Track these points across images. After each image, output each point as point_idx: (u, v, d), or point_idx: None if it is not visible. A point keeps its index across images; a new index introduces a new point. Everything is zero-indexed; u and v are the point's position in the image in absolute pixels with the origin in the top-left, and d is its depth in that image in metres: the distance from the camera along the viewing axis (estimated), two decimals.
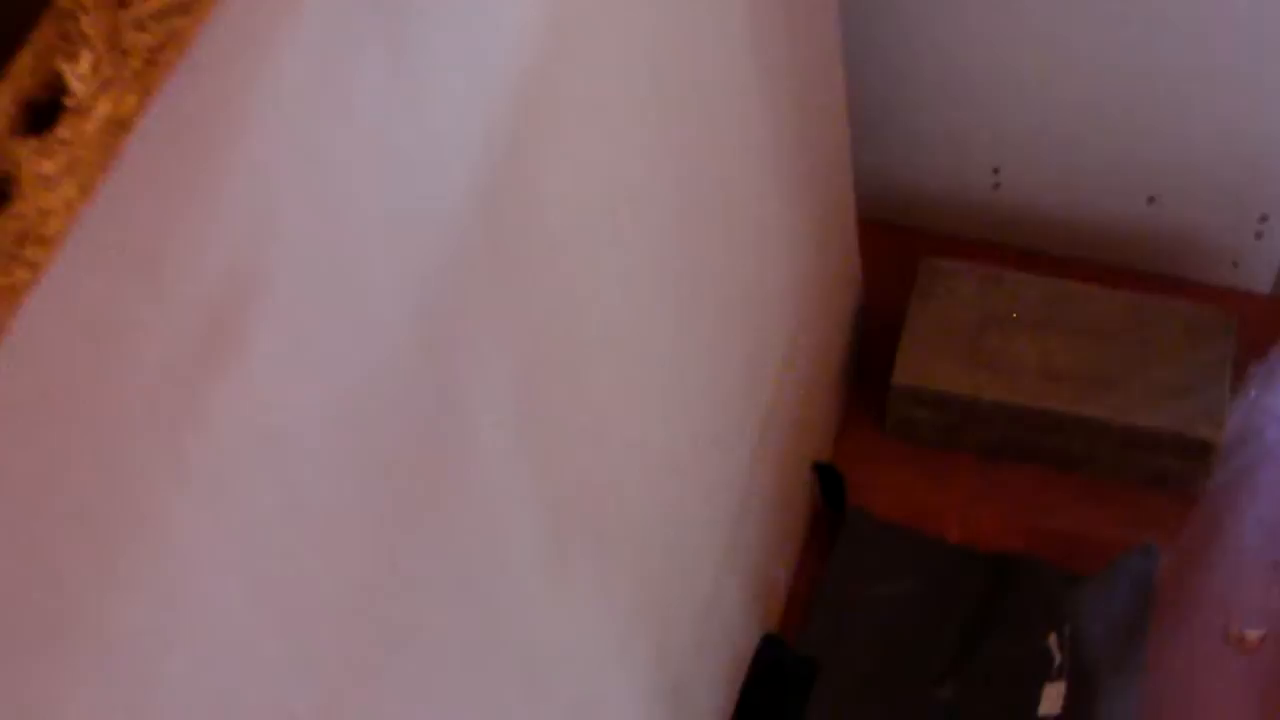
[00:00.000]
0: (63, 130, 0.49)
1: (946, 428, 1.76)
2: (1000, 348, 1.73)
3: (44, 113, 0.49)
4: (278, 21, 0.58)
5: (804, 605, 1.69)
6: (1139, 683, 1.61)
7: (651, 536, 1.19)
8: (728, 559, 1.39)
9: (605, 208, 0.98)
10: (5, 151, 0.48)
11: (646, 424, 1.11)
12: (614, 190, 0.99)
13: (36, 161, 0.48)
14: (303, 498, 0.65)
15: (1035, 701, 1.62)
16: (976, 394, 1.71)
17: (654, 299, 1.09)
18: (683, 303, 1.15)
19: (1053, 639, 1.64)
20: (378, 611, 0.74)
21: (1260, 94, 1.64)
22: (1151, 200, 1.78)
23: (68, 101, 0.50)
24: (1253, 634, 1.64)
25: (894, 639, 1.67)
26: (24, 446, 0.48)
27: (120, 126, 0.50)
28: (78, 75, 0.50)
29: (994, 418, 1.73)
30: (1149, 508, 1.72)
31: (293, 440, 0.64)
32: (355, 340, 0.68)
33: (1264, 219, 1.77)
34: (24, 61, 0.50)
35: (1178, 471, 1.72)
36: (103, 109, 0.50)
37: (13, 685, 0.48)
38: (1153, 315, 1.74)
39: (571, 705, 1.10)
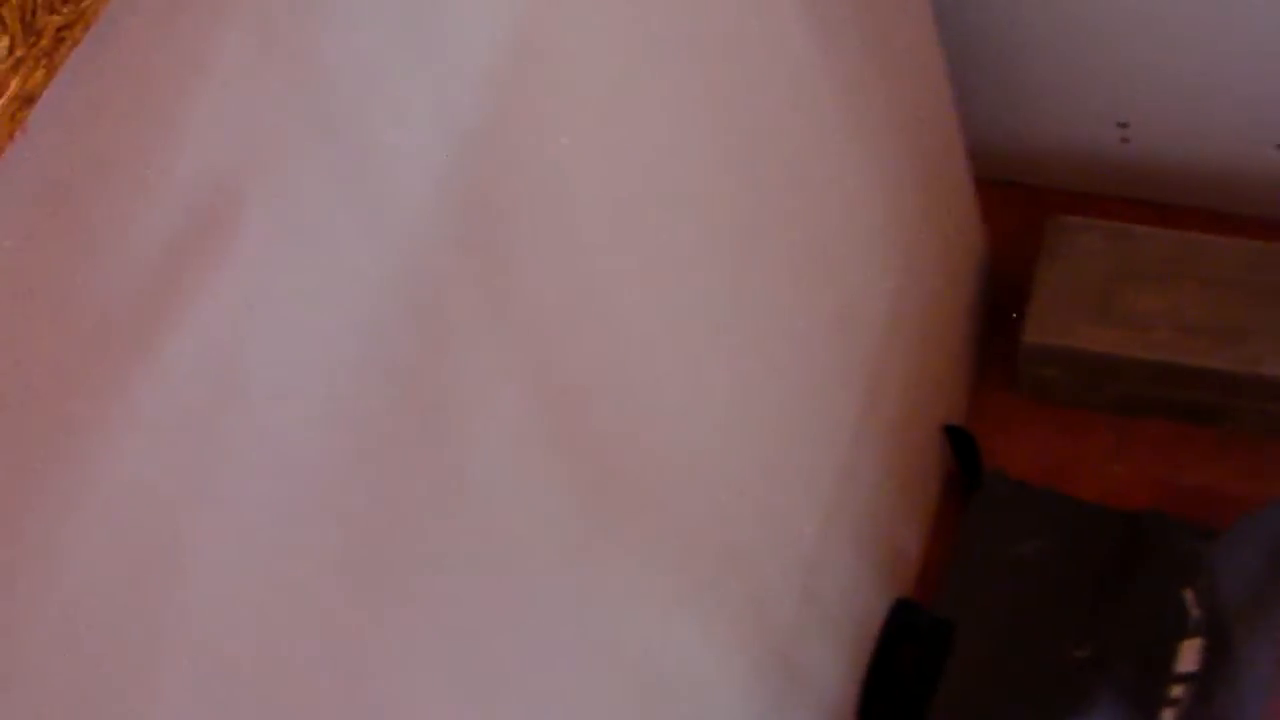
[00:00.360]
0: None
1: (1079, 385, 1.74)
2: (1131, 303, 1.71)
3: None
4: None
5: (940, 569, 1.69)
6: (1277, 637, 1.58)
7: (734, 503, 1.21)
8: (833, 523, 1.40)
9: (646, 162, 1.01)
10: None
11: (706, 380, 1.13)
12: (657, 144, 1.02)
13: None
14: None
15: (1173, 658, 1.60)
16: (1108, 350, 1.70)
17: (708, 257, 1.11)
18: (746, 263, 1.17)
19: (1189, 594, 1.62)
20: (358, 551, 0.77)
21: None
22: None
23: None
24: None
25: (1031, 599, 1.67)
26: None
27: (27, 101, 0.55)
28: None
29: (1126, 373, 1.71)
30: None
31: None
32: (331, 284, 0.72)
33: None
34: None
35: None
36: (13, 86, 0.55)
37: None
38: None
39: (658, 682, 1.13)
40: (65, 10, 0.57)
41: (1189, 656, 1.60)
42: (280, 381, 0.69)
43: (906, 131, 1.45)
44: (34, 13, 0.56)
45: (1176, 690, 1.58)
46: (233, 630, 0.69)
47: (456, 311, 0.82)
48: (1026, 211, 1.83)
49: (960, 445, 1.73)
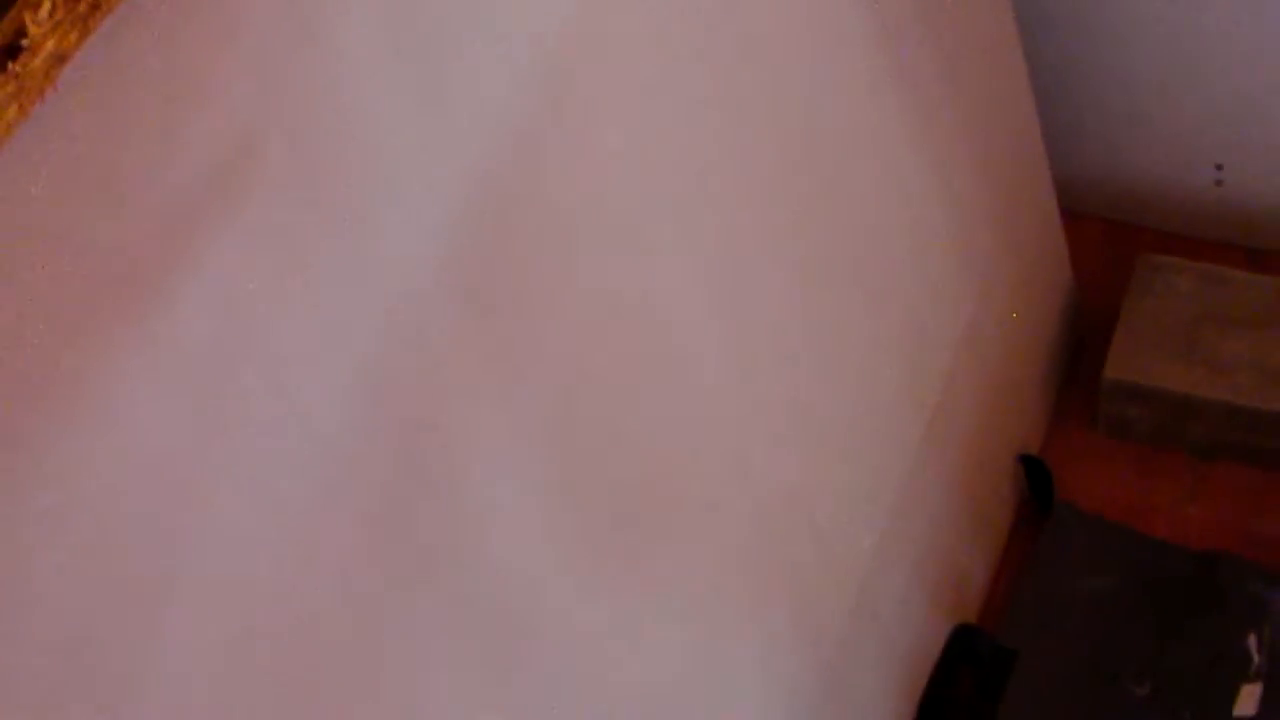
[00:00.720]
0: (16, 65, 0.59)
1: (1159, 425, 1.75)
2: (1217, 345, 1.71)
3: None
4: None
5: (1007, 597, 1.70)
6: None
7: (777, 520, 1.23)
8: (891, 540, 1.42)
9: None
10: None
11: (763, 393, 1.16)
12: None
13: None
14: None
15: (1232, 701, 1.60)
16: (1191, 391, 1.70)
17: (771, 268, 1.14)
18: (811, 278, 1.19)
19: (1252, 639, 1.62)
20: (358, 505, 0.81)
21: None
22: None
23: (24, 42, 0.60)
24: None
25: (1095, 633, 1.67)
26: None
27: (60, 60, 0.60)
28: (36, 21, 0.60)
29: (1208, 416, 1.71)
30: None
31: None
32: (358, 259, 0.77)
33: None
34: (7, 19, 0.61)
35: None
36: (50, 45, 0.60)
37: None
38: None
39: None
40: None
41: (1247, 701, 1.59)
42: (303, 342, 0.73)
43: (987, 161, 1.47)
44: None
45: None
46: (247, 577, 0.73)
47: (500, 283, 0.86)
48: (1117, 248, 1.83)
49: (1035, 476, 1.74)
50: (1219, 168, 1.78)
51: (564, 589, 0.95)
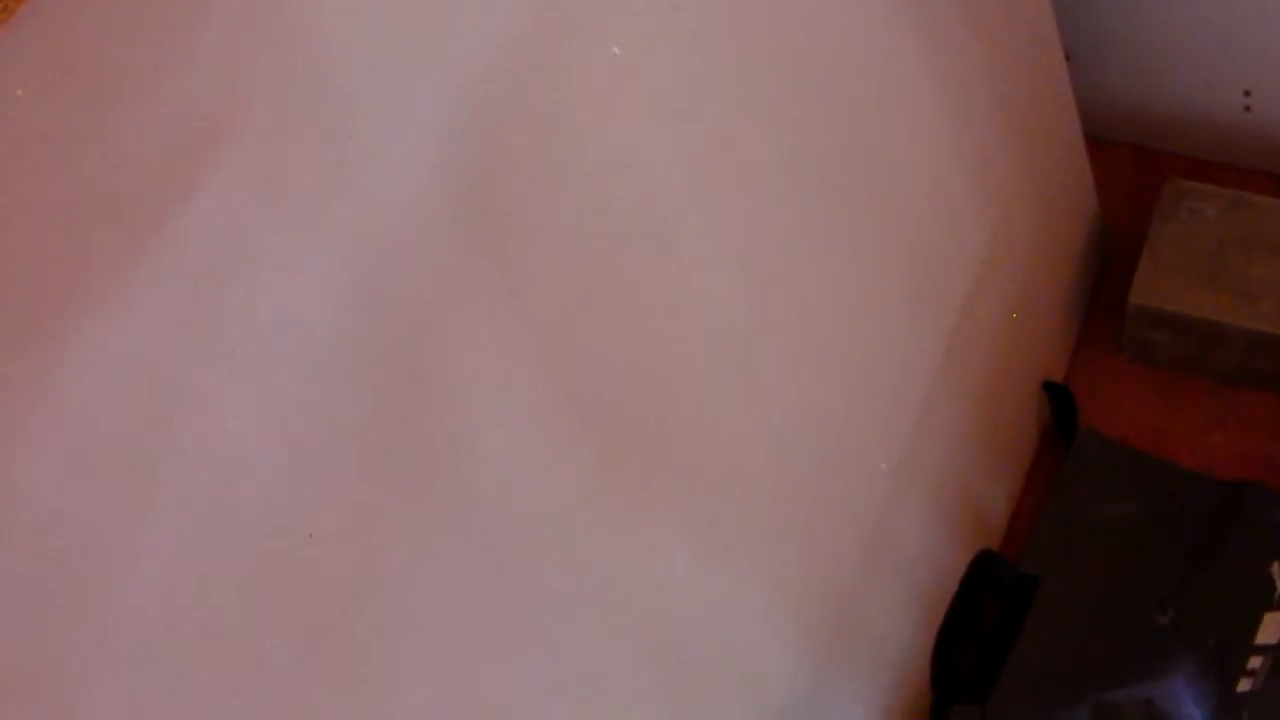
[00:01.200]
0: None
1: (1184, 352, 1.73)
2: (1242, 272, 1.70)
3: None
4: None
5: (1030, 525, 1.70)
6: None
7: (797, 445, 1.23)
8: (909, 468, 1.41)
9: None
10: None
11: (773, 319, 1.15)
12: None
13: None
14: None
15: (1255, 629, 1.59)
16: (1217, 318, 1.69)
17: (778, 192, 1.13)
18: (819, 201, 1.18)
19: (1276, 568, 1.61)
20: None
21: None
22: None
23: None
24: None
25: (1118, 561, 1.67)
26: None
27: None
28: None
29: (1234, 343, 1.70)
30: None
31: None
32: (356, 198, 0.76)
33: None
34: None
35: None
36: None
37: None
38: None
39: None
40: None
41: (1271, 629, 1.59)
42: (294, 252, 0.73)
43: (1006, 86, 1.45)
44: None
45: (1255, 661, 1.57)
46: (234, 481, 0.73)
47: (498, 201, 0.85)
48: (1144, 174, 1.82)
49: (1059, 402, 1.74)
50: (1247, 94, 1.76)
51: (567, 503, 0.95)
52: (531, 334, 0.89)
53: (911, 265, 1.35)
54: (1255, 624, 1.60)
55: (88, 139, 0.63)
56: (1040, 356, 1.71)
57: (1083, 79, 1.65)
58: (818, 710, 1.34)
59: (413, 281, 0.80)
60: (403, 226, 0.78)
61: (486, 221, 0.84)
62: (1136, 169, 1.84)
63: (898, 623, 1.49)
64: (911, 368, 1.39)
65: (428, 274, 0.80)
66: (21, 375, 0.62)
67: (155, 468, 0.69)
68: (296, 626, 0.77)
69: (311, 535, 0.78)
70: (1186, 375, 1.74)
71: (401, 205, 0.78)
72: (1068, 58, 1.61)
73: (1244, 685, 1.57)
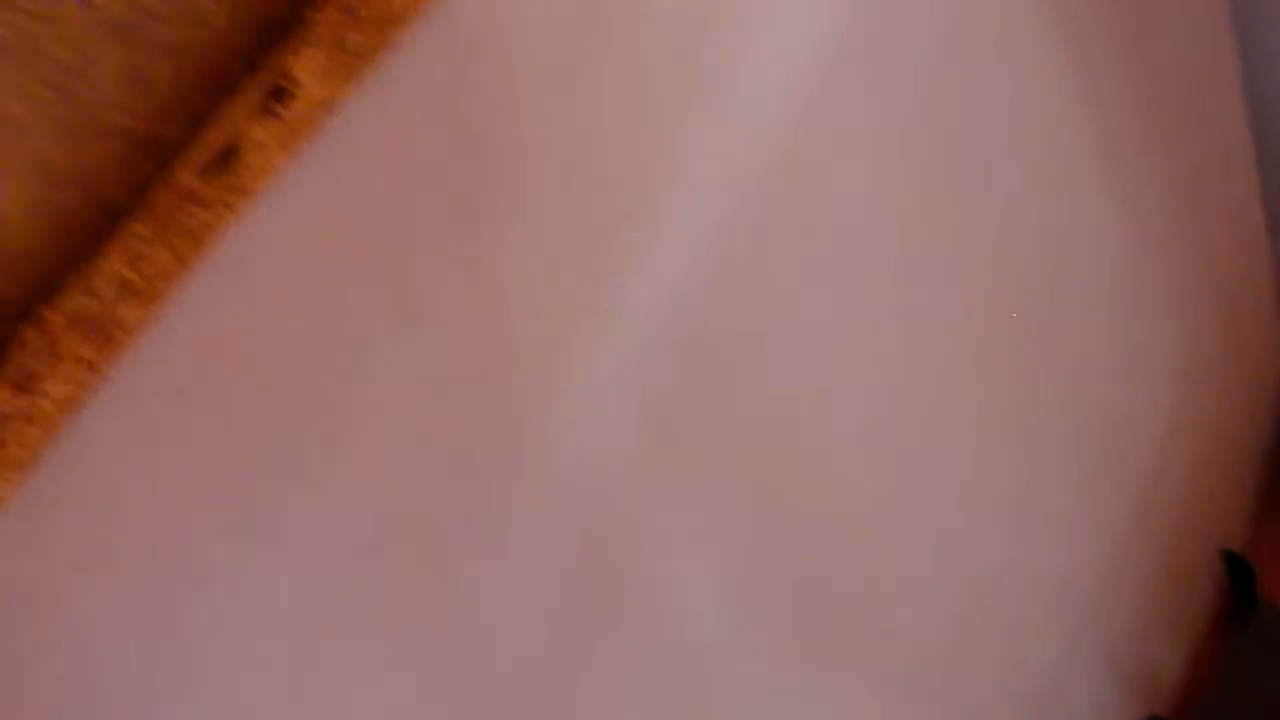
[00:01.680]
0: (286, 111, 0.61)
1: None
2: None
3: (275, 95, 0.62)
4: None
5: (1201, 695, 1.66)
6: None
7: (968, 612, 1.22)
8: (1085, 629, 1.39)
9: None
10: (243, 130, 0.61)
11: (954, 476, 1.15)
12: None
13: (259, 133, 0.61)
14: None
15: None
16: None
17: (960, 352, 1.13)
18: (1004, 362, 1.17)
19: None
20: None
21: None
22: None
23: (292, 87, 0.62)
24: None
25: None
26: None
27: (328, 107, 0.62)
28: (303, 68, 0.62)
29: None
30: None
31: None
32: None
33: None
34: (271, 60, 0.63)
35: None
36: (319, 93, 0.62)
37: None
38: None
39: None
40: (369, 31, 0.64)
41: None
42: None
43: (1205, 258, 1.43)
44: (342, 32, 0.64)
45: None
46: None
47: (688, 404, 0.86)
48: None
49: (1237, 573, 1.70)
50: None
51: (742, 657, 0.96)
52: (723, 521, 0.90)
53: (1102, 429, 1.33)
54: None
55: None
56: (1220, 524, 1.67)
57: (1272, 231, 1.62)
58: None
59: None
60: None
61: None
62: None
63: None
64: (1098, 526, 1.38)
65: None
66: None
67: None
68: None
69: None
70: None
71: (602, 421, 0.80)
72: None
73: None
